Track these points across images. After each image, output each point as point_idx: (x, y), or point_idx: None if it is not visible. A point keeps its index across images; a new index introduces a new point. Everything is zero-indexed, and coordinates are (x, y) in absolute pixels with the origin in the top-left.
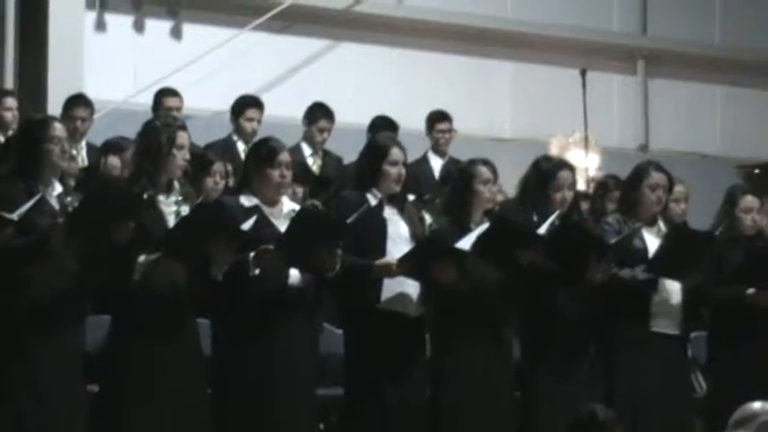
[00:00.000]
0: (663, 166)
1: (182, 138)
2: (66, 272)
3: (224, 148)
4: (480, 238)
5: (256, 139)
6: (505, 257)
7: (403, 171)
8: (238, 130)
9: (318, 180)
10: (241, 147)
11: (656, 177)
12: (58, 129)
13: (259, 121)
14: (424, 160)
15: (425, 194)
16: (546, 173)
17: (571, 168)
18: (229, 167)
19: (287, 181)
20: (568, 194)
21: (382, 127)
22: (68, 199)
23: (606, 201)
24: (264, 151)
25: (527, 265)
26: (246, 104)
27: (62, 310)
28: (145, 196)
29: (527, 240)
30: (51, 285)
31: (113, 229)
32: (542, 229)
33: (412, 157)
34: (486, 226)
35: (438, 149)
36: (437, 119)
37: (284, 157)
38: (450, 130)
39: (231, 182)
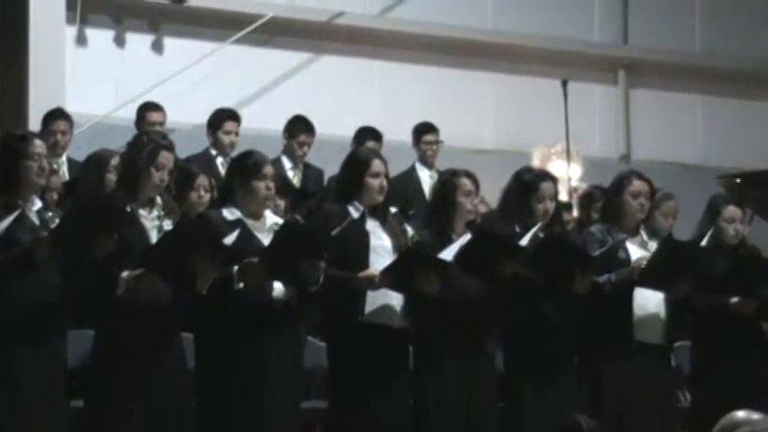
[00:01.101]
0: (644, 174)
1: (163, 157)
2: (48, 285)
3: (202, 161)
4: (462, 250)
5: (235, 152)
6: (488, 269)
7: (385, 182)
8: (216, 143)
9: (299, 193)
10: (219, 160)
11: (638, 185)
12: (38, 145)
13: (237, 134)
14: (411, 172)
15: (410, 210)
16: (528, 184)
17: (553, 179)
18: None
19: (273, 193)
20: (550, 205)
21: (366, 137)
22: (49, 214)
23: (592, 211)
24: (249, 164)
25: (509, 276)
26: (224, 117)
27: (44, 323)
28: (128, 209)
29: (509, 252)
30: (34, 298)
31: (96, 242)
32: (524, 241)
33: (395, 168)
34: (468, 237)
35: (425, 161)
36: (424, 130)
37: (269, 169)
38: (437, 142)
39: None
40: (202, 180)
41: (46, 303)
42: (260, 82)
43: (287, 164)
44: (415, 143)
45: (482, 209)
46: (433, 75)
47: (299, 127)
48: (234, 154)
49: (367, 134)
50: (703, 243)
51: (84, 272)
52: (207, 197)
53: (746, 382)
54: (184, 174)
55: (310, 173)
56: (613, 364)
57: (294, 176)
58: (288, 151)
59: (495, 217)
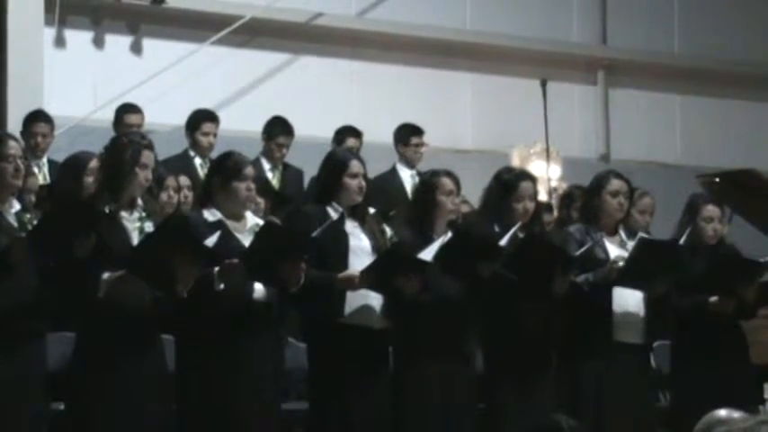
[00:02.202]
0: (622, 174)
1: (146, 157)
2: (25, 287)
3: (180, 163)
4: (441, 251)
5: (213, 153)
6: (467, 270)
7: (363, 183)
8: (194, 144)
9: (277, 197)
10: (198, 162)
11: (616, 184)
12: (13, 147)
13: (215, 135)
14: (393, 172)
15: (391, 211)
16: (507, 184)
17: (532, 179)
18: (183, 181)
19: (253, 194)
20: (530, 205)
21: (346, 135)
22: (27, 216)
23: (572, 210)
24: (230, 165)
25: (488, 277)
26: (202, 119)
27: (21, 326)
28: (107, 210)
29: (487, 253)
30: (10, 301)
31: (75, 243)
32: (503, 241)
33: (374, 169)
34: (448, 237)
35: (410, 162)
36: (412, 133)
37: (250, 170)
38: (424, 144)
39: (186, 195)
40: (171, 181)
41: (22, 306)
42: (239, 83)
43: (266, 165)
44: (402, 144)
45: (465, 209)
46: (412, 75)
47: (277, 129)
48: (212, 155)
49: (347, 132)
50: (681, 242)
51: (62, 274)
52: (175, 198)
53: (726, 381)
54: (154, 175)
55: (290, 174)
56: (592, 364)
57: (273, 177)
58: (266, 153)
59: (476, 217)
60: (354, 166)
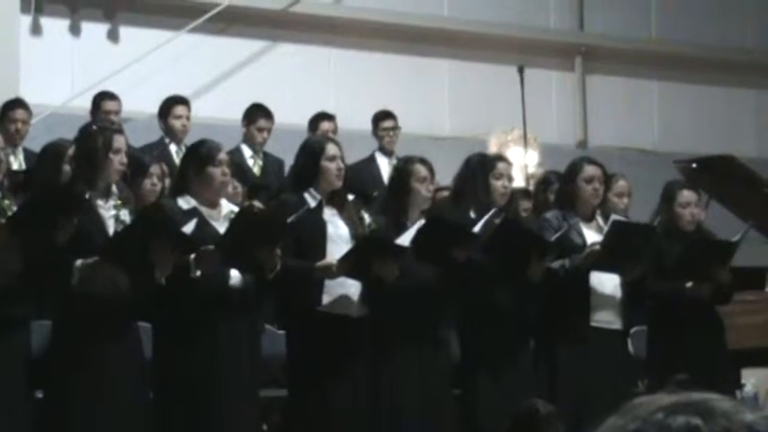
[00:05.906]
0: (596, 159)
1: (118, 142)
2: (7, 272)
3: (156, 150)
4: (416, 238)
5: (189, 139)
6: (442, 256)
7: (342, 166)
8: (168, 131)
9: (256, 185)
10: (173, 148)
11: (590, 170)
12: None
13: (188, 118)
14: (371, 160)
15: (373, 194)
16: (485, 163)
17: (508, 162)
18: (165, 168)
19: (228, 179)
20: (508, 184)
21: (320, 120)
22: (6, 202)
23: (549, 194)
24: (204, 151)
25: (462, 262)
26: (172, 103)
27: (5, 313)
28: (87, 196)
29: (461, 238)
30: None
31: (57, 228)
32: (478, 227)
33: (353, 156)
34: (422, 223)
35: (384, 148)
36: (381, 117)
37: (224, 155)
38: (395, 128)
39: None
40: (155, 169)
41: (5, 293)
42: (217, 71)
43: (247, 152)
44: (373, 131)
45: (445, 193)
46: (389, 62)
47: (257, 113)
48: (187, 140)
49: (320, 118)
50: (655, 224)
51: (43, 259)
52: (159, 186)
53: (703, 366)
54: (138, 162)
55: (270, 162)
56: (570, 350)
57: (254, 165)
58: (247, 139)
59: (448, 203)
60: (331, 148)
